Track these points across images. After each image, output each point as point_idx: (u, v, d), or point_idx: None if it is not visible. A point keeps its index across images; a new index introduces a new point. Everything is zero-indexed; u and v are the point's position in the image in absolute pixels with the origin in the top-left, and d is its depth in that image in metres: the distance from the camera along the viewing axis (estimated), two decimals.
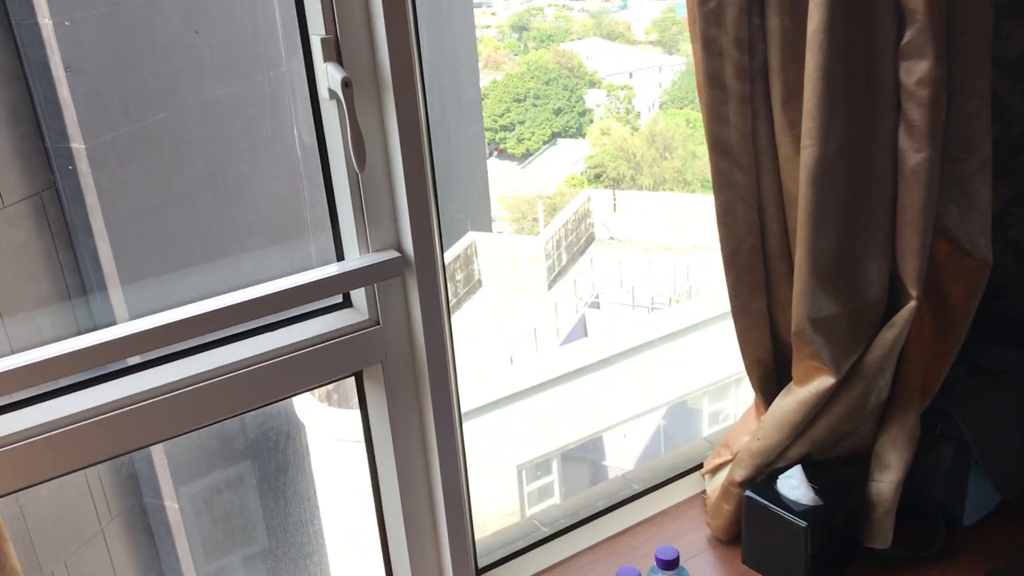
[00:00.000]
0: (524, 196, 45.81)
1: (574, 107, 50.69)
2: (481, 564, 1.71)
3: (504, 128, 53.67)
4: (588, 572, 1.69)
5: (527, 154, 53.50)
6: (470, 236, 15.75)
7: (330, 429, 11.76)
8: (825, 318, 1.45)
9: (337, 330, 1.40)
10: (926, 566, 1.63)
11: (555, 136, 51.30)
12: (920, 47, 1.32)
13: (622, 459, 15.20)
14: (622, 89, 51.17)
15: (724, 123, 1.41)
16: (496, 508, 12.10)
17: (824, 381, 1.49)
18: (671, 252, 16.08)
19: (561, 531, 1.79)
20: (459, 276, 15.21)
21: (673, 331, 12.44)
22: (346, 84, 1.26)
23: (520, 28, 67.26)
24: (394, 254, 1.39)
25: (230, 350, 1.33)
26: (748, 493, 1.58)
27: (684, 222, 16.30)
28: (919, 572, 1.61)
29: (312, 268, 1.36)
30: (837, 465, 1.62)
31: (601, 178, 43.92)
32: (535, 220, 40.35)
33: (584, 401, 12.36)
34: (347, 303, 1.48)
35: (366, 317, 1.44)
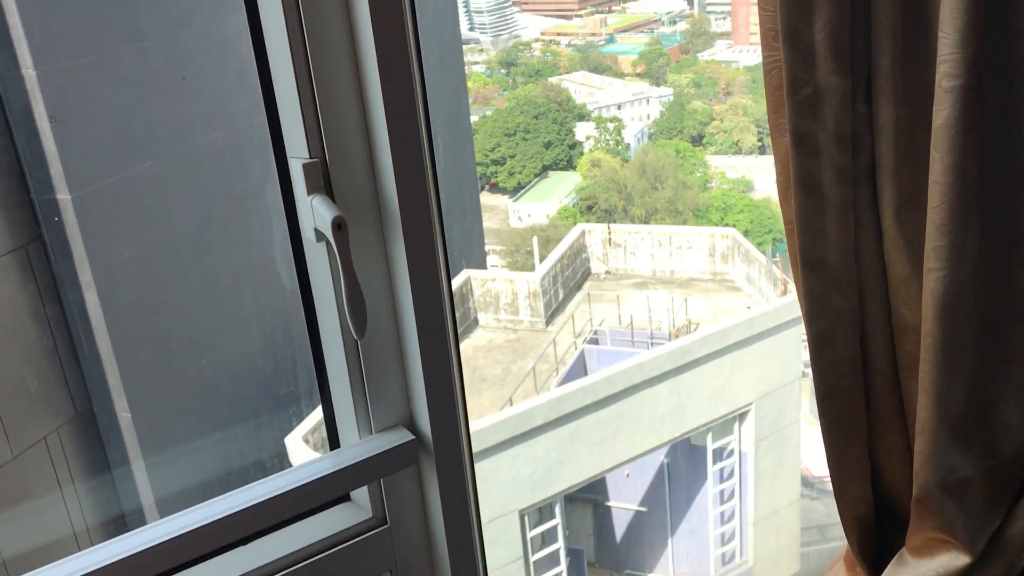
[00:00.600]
0: (517, 229, 45.92)
1: (564, 140, 51.04)
2: None
3: (495, 162, 53.99)
4: None
5: (519, 187, 53.74)
6: (464, 274, 15.59)
7: None
8: (958, 481, 1.19)
9: (330, 537, 1.09)
10: None
11: (546, 169, 51.55)
12: None
13: (626, 498, 14.97)
14: (611, 121, 51.52)
15: (820, 237, 1.15)
16: (498, 554, 11.86)
17: (955, 559, 1.21)
18: (668, 285, 15.93)
19: None
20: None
21: (674, 367, 12.25)
22: (338, 225, 1.00)
23: (508, 64, 67.92)
24: (406, 435, 1.10)
25: None
26: None
27: (679, 253, 16.18)
28: None
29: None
30: None
31: (593, 209, 44.10)
32: (528, 253, 40.40)
33: (585, 441, 12.16)
34: (344, 496, 1.19)
35: (369, 515, 1.14)
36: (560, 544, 12.81)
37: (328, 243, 1.05)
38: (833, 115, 1.11)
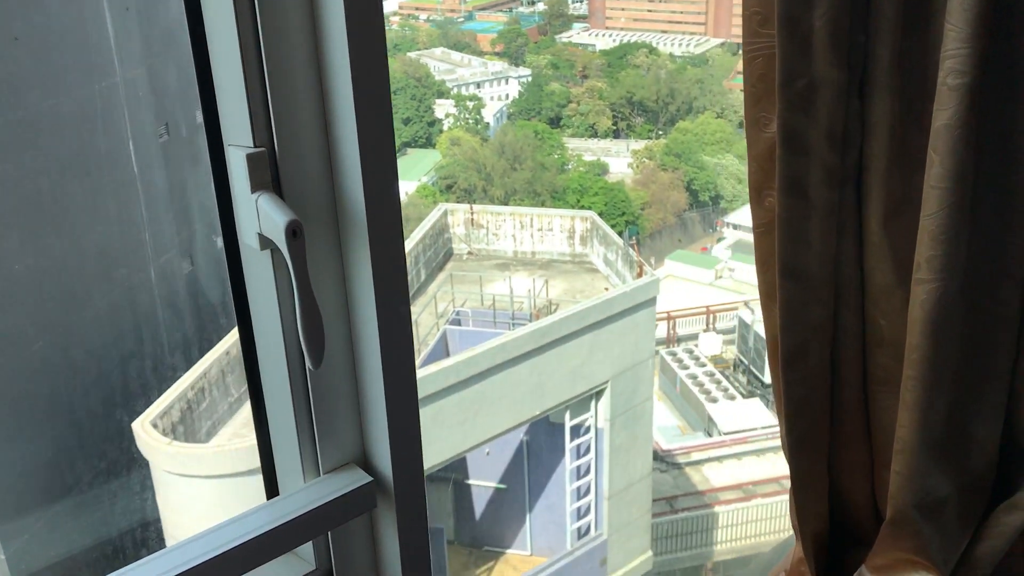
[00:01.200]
0: None
1: (423, 117, 50.60)
2: None
3: None
4: None
5: None
6: None
7: (174, 464, 11.08)
8: (935, 501, 1.11)
9: None
10: None
11: (404, 146, 51.03)
12: None
13: (486, 476, 15.06)
14: (470, 100, 51.44)
15: (803, 244, 1.05)
16: None
17: None
18: (530, 266, 16.06)
19: None
20: None
21: (535, 347, 12.37)
22: (293, 232, 0.82)
23: None
24: (361, 476, 0.93)
25: None
26: None
27: (540, 235, 16.33)
28: None
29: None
30: None
31: (453, 188, 44.01)
32: None
33: (447, 422, 12.13)
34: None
35: (312, 567, 0.97)
36: None
37: (274, 252, 0.89)
38: (827, 111, 1.02)
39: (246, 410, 12.98)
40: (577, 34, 64.53)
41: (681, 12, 77.19)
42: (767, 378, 27.55)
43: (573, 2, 68.07)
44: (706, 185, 52.42)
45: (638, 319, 14.28)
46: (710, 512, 19.13)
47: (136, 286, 15.65)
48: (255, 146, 0.86)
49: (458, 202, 36.41)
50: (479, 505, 15.07)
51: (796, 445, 1.16)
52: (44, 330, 13.73)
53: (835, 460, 1.21)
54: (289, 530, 0.87)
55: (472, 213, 16.68)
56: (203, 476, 10.91)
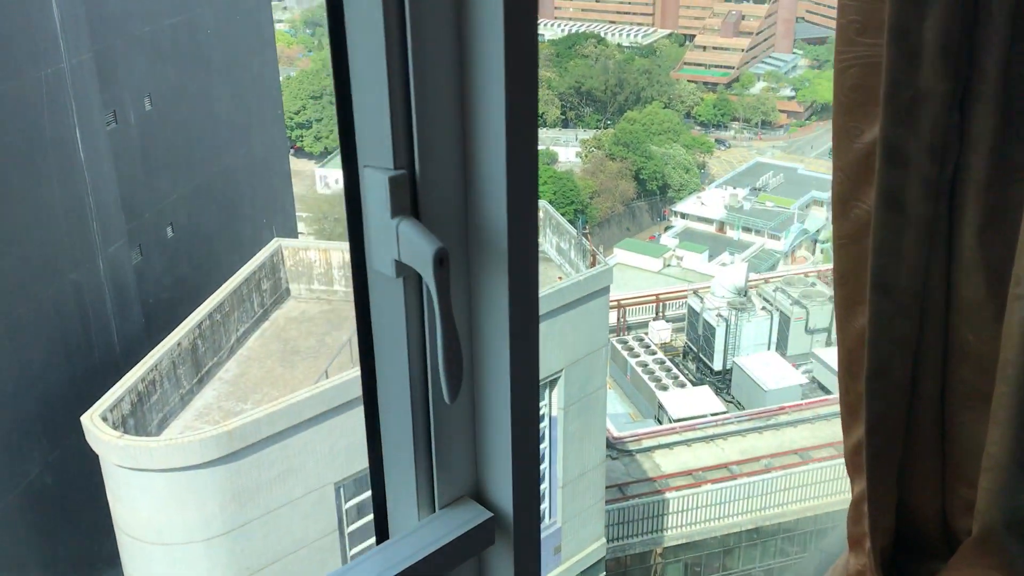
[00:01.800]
0: (323, 195, 44.86)
1: None
2: None
3: (300, 125, 52.37)
4: None
5: (325, 152, 52.39)
6: (275, 243, 15.08)
7: (124, 458, 10.89)
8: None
9: None
10: None
11: None
12: None
13: None
14: None
15: (896, 258, 1.03)
16: (311, 527, 11.66)
17: None
18: None
19: None
20: (265, 285, 14.53)
21: None
22: (440, 260, 0.79)
23: (314, 24, 65.73)
24: (479, 512, 0.89)
25: None
26: None
27: None
28: None
29: None
30: None
31: None
32: (336, 220, 39.53)
33: None
34: None
35: None
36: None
37: (409, 281, 0.85)
38: (930, 123, 0.98)
39: (198, 402, 12.82)
40: None
41: (629, 3, 77.57)
42: (716, 365, 27.95)
43: None
44: (654, 174, 52.84)
45: (591, 308, 14.36)
46: (661, 498, 19.38)
47: (83, 276, 15.34)
48: (395, 168, 0.83)
49: None
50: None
51: (872, 460, 1.14)
52: None
53: (905, 475, 1.19)
54: (416, 571, 0.83)
55: None
56: (154, 470, 10.74)
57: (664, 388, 25.04)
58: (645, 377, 25.67)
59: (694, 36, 70.48)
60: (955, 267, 1.04)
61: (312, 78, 51.13)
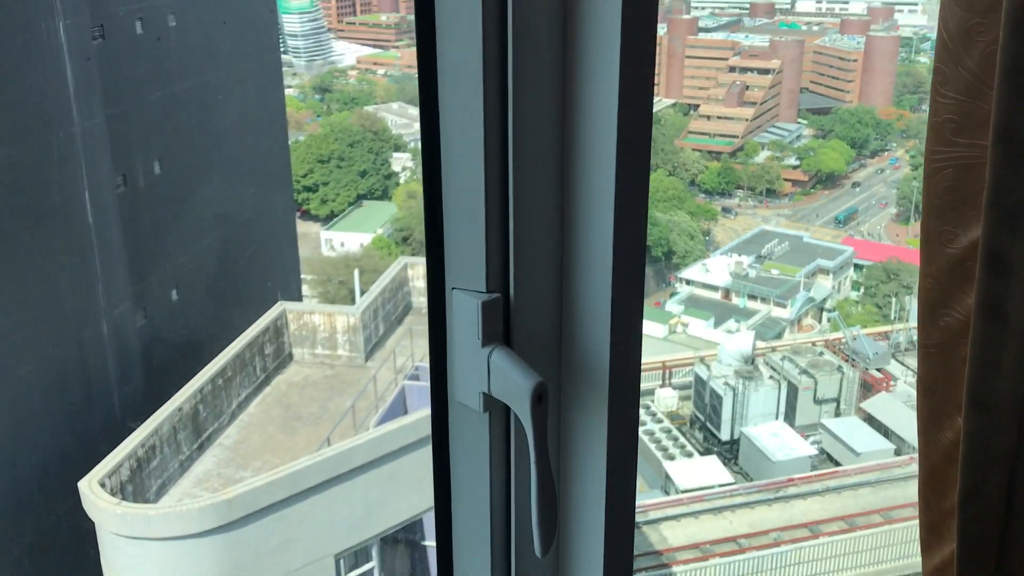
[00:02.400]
0: (329, 258, 44.98)
1: (380, 169, 50.66)
2: None
3: (307, 188, 52.76)
4: None
5: (331, 215, 52.68)
6: (280, 306, 15.00)
7: (121, 525, 10.65)
8: None
9: None
10: None
11: (360, 198, 50.90)
12: None
13: None
14: None
15: (995, 371, 0.96)
16: None
17: None
18: None
19: None
20: (268, 350, 14.41)
21: None
22: (539, 396, 0.71)
23: (323, 89, 66.72)
24: None
25: None
26: None
27: None
28: None
29: None
30: None
31: (409, 240, 43.91)
32: (341, 283, 39.57)
33: (405, 480, 11.89)
34: None
35: None
36: None
37: (497, 415, 0.77)
38: None
39: (198, 468, 12.61)
40: None
41: None
42: (724, 435, 27.60)
43: None
44: (659, 241, 53.02)
45: None
46: (668, 572, 18.96)
47: (87, 338, 15.24)
48: (488, 291, 0.75)
49: (414, 255, 36.29)
50: (435, 566, 14.75)
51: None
52: None
53: None
54: None
55: None
56: (152, 538, 10.50)
57: (671, 458, 24.68)
58: (652, 446, 25.33)
59: (698, 105, 71.33)
60: None
61: (320, 142, 51.70)
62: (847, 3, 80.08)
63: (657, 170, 59.72)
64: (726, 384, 27.49)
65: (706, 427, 28.41)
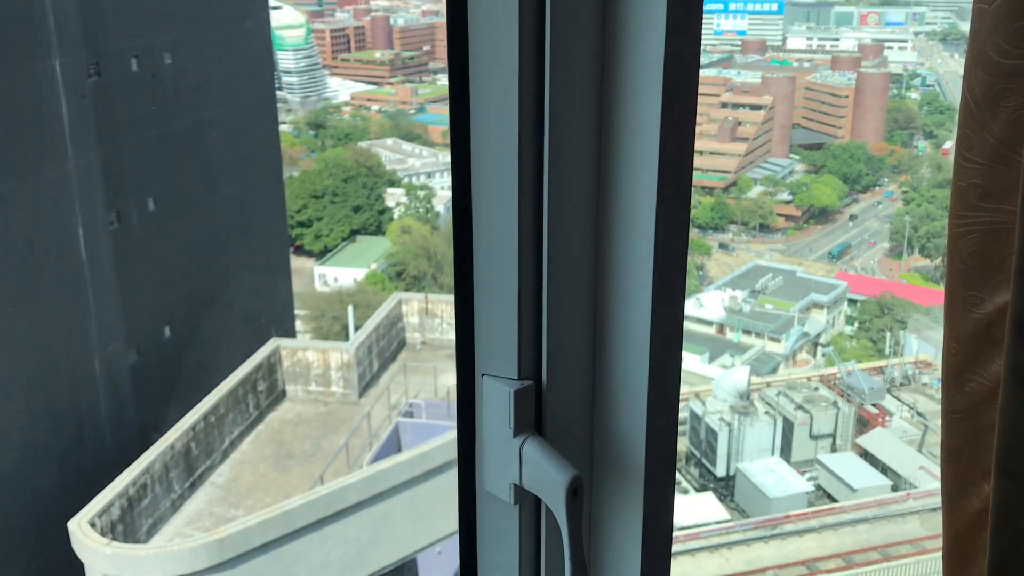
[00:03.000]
0: (322, 293, 44.92)
1: (373, 205, 50.77)
2: None
3: (301, 224, 52.84)
4: None
5: (325, 250, 52.74)
6: (273, 343, 14.92)
7: (111, 566, 10.49)
8: None
9: None
10: None
11: (354, 233, 50.96)
12: None
13: None
14: (421, 189, 51.83)
15: None
16: None
17: None
18: None
19: None
20: (261, 387, 14.30)
21: None
22: (574, 490, 0.68)
23: (317, 125, 67.10)
24: None
25: None
26: None
27: None
28: None
29: None
30: None
31: (402, 275, 43.89)
32: (335, 319, 39.50)
33: (399, 519, 11.76)
34: None
35: None
36: None
37: (527, 507, 0.75)
38: None
39: (189, 507, 12.45)
40: None
41: None
42: (719, 471, 27.44)
43: None
44: None
45: None
46: None
47: (79, 376, 15.14)
48: (520, 378, 0.72)
49: (407, 289, 36.24)
50: None
51: None
52: None
53: None
54: None
55: (427, 302, 16.54)
56: None
57: None
58: None
59: None
60: None
61: (314, 178, 51.86)
62: (838, 40, 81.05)
63: None
64: (721, 420, 27.37)
65: (702, 463, 28.24)
